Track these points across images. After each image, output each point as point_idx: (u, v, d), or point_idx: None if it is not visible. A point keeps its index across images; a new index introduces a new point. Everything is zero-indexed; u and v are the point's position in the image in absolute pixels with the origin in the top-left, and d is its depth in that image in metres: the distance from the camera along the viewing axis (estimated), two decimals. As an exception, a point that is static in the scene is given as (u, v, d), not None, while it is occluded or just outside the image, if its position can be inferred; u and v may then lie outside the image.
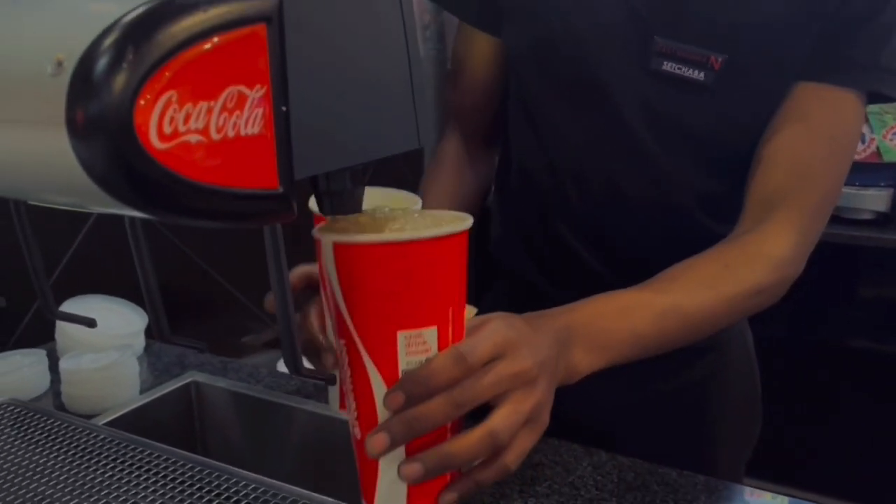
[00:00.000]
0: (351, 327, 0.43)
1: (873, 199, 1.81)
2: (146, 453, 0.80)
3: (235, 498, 0.71)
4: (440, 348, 0.44)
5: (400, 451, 0.44)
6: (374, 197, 0.52)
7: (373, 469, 0.45)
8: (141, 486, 0.74)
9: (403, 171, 2.36)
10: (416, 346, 0.44)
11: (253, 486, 0.73)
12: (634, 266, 0.72)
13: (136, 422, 0.92)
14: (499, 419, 0.46)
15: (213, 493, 0.73)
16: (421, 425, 0.44)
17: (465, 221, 0.46)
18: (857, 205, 1.81)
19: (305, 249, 0.54)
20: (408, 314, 0.43)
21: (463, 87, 0.92)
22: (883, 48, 0.70)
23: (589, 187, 0.81)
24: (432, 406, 0.44)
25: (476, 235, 0.91)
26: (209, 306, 1.74)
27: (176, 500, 0.72)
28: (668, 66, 0.71)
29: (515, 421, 0.47)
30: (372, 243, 0.42)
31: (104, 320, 1.12)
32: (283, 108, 0.33)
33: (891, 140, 2.04)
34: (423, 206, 0.81)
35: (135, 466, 0.77)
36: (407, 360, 0.43)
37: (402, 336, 0.43)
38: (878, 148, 1.89)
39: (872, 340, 1.99)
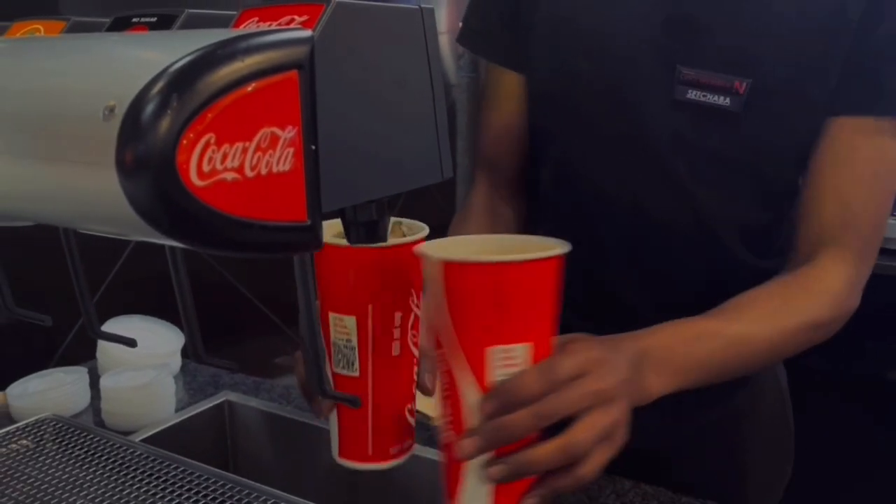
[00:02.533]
0: (451, 340, 0.48)
1: (911, 230, 1.79)
2: (180, 470, 0.82)
3: (264, 515, 0.74)
4: (531, 364, 0.49)
5: (486, 456, 0.48)
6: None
7: (458, 471, 0.50)
8: (174, 502, 0.76)
9: (436, 198, 2.40)
10: (508, 361, 0.48)
11: (280, 503, 0.75)
12: (670, 298, 0.73)
13: (171, 439, 0.95)
14: (577, 432, 0.49)
15: (245, 511, 0.75)
16: (508, 433, 0.48)
17: (562, 247, 0.50)
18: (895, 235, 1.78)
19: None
20: (504, 331, 0.47)
21: (492, 131, 0.91)
22: None
23: (622, 221, 0.81)
24: (519, 416, 0.48)
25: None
26: (243, 327, 1.79)
27: (208, 516, 0.74)
28: (692, 95, 0.72)
29: (593, 435, 0.50)
30: (480, 263, 0.47)
31: (143, 340, 1.15)
32: (313, 147, 0.36)
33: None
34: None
35: (169, 482, 0.80)
36: (498, 372, 0.48)
37: (496, 350, 0.47)
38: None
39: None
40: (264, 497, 0.77)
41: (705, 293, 0.75)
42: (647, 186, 0.78)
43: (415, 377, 0.58)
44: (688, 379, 0.63)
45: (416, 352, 0.56)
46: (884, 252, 1.75)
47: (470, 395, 0.48)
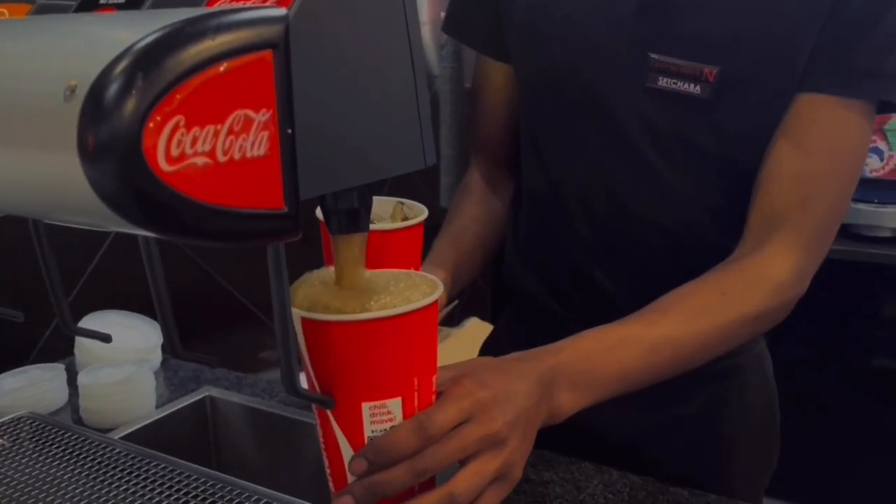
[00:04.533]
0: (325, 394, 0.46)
1: (892, 217, 1.80)
2: (161, 467, 0.81)
3: (247, 512, 0.72)
4: (405, 417, 0.47)
5: None
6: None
7: None
8: (155, 501, 0.75)
9: (421, 189, 2.38)
10: (381, 416, 0.46)
11: (267, 500, 0.74)
12: (648, 288, 0.72)
13: (151, 436, 0.93)
14: (460, 481, 0.48)
15: (225, 508, 0.73)
16: (382, 490, 0.47)
17: (430, 296, 0.47)
18: (876, 222, 1.79)
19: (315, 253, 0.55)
20: (372, 386, 0.46)
21: (482, 117, 0.92)
22: (889, 55, 0.67)
23: (596, 208, 0.81)
24: (394, 473, 0.47)
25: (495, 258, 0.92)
26: (224, 321, 1.76)
27: (189, 514, 0.73)
28: (663, 82, 0.71)
29: (478, 483, 0.49)
30: (336, 322, 0.45)
31: (122, 335, 1.14)
32: (289, 131, 0.34)
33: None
34: (451, 233, 0.88)
35: (150, 480, 0.78)
36: (372, 428, 0.46)
37: (366, 407, 0.45)
38: (896, 165, 1.87)
39: (888, 358, 1.96)
40: (249, 494, 0.75)
41: (682, 280, 0.74)
42: (620, 174, 0.78)
43: None
44: (607, 390, 0.62)
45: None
46: (862, 239, 1.76)
47: (345, 451, 0.47)
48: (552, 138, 0.82)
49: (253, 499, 0.75)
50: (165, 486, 0.78)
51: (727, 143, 0.74)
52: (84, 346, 1.06)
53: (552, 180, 0.84)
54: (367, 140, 0.42)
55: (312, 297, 0.48)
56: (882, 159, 1.86)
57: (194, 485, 0.78)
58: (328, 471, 0.50)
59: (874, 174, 1.86)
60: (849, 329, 1.99)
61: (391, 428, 0.47)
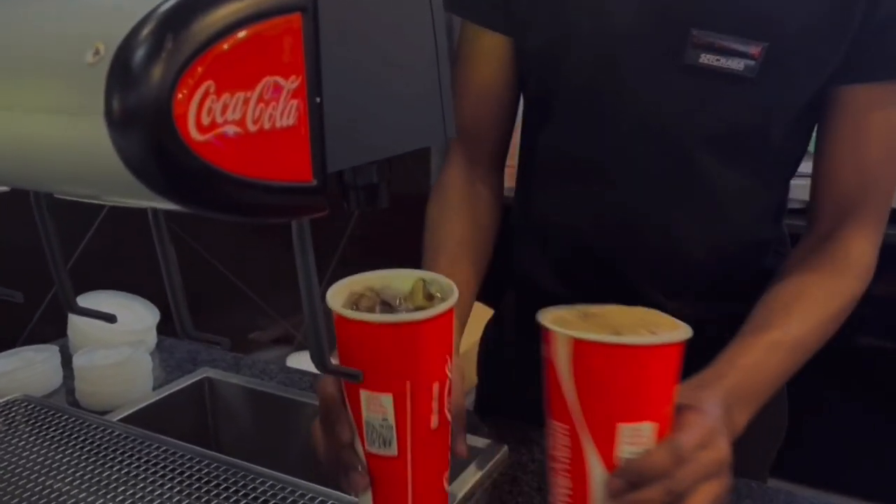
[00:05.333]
0: (578, 416, 0.49)
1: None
2: (161, 449, 0.79)
3: (253, 494, 0.71)
4: (657, 441, 0.50)
5: None
6: (379, 278, 0.55)
7: None
8: (157, 483, 0.73)
9: (410, 168, 2.36)
10: (636, 439, 0.49)
11: (268, 482, 0.73)
12: (671, 276, 0.73)
13: (149, 418, 0.91)
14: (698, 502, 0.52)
15: (228, 490, 0.72)
16: None
17: (687, 330, 0.50)
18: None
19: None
20: (632, 410, 0.49)
21: (472, 97, 0.85)
22: None
23: (623, 189, 0.78)
24: (649, 494, 0.50)
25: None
26: (219, 303, 1.74)
27: (192, 496, 0.71)
28: (705, 59, 0.69)
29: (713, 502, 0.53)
30: (612, 344, 0.48)
31: (117, 316, 1.12)
32: (318, 100, 0.33)
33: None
34: (435, 253, 0.79)
35: (149, 462, 0.77)
36: (626, 449, 0.49)
37: (623, 428, 0.48)
38: None
39: (883, 339, 1.97)
40: (248, 474, 0.74)
41: (705, 262, 0.76)
42: (647, 152, 0.76)
43: (449, 444, 0.54)
44: (763, 399, 0.66)
45: (450, 418, 0.52)
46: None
47: (595, 470, 0.49)
48: (571, 119, 0.79)
49: (253, 479, 0.74)
50: (166, 468, 0.76)
51: (763, 120, 0.73)
52: (78, 328, 1.04)
53: (573, 162, 0.80)
54: (390, 112, 0.41)
55: (565, 322, 0.51)
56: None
57: (195, 466, 0.76)
58: (567, 492, 0.51)
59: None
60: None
61: (645, 451, 0.49)
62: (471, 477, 0.77)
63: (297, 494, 0.71)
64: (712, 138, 0.74)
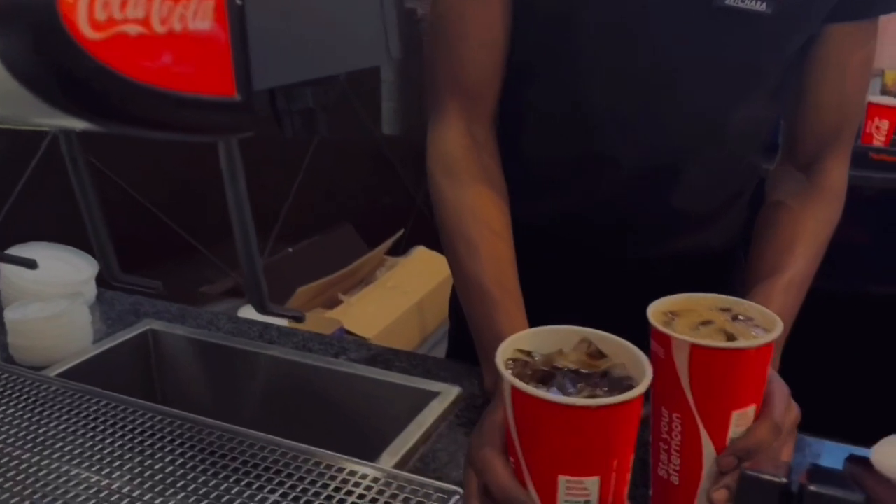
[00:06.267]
0: (693, 408, 0.54)
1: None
2: (102, 404, 0.76)
3: (200, 446, 0.68)
4: (755, 417, 0.57)
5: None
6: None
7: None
8: (98, 438, 0.70)
9: (361, 115, 2.30)
10: (743, 420, 0.55)
11: (215, 433, 0.70)
12: (660, 210, 0.75)
13: (90, 372, 0.88)
14: (787, 455, 0.60)
15: (175, 443, 0.69)
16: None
17: (779, 324, 0.56)
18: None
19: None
20: (742, 398, 0.55)
21: (471, 42, 0.76)
22: None
23: (631, 130, 0.77)
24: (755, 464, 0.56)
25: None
26: (162, 254, 1.68)
27: (136, 450, 0.68)
28: (730, 0, 0.69)
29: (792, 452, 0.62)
30: (728, 349, 0.53)
31: (51, 269, 1.06)
32: (239, 2, 0.29)
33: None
34: (492, 276, 0.72)
35: (91, 418, 0.74)
36: (734, 431, 0.55)
37: (736, 416, 0.55)
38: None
39: (823, 279, 2.00)
40: (195, 426, 0.72)
41: (703, 193, 0.81)
42: (649, 92, 0.75)
43: None
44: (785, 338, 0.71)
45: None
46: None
47: (707, 451, 0.56)
48: (575, 65, 0.75)
49: (202, 431, 0.71)
50: (108, 423, 0.73)
51: (771, 62, 0.75)
52: (10, 281, 0.99)
53: (574, 97, 0.77)
54: (325, 28, 0.37)
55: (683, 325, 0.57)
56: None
57: (140, 420, 0.73)
58: (676, 468, 0.57)
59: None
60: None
61: (747, 430, 0.56)
62: (428, 417, 0.76)
63: (245, 444, 0.69)
64: (721, 77, 0.74)
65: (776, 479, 0.39)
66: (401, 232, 2.34)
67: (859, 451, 0.71)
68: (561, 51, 0.76)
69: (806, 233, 0.77)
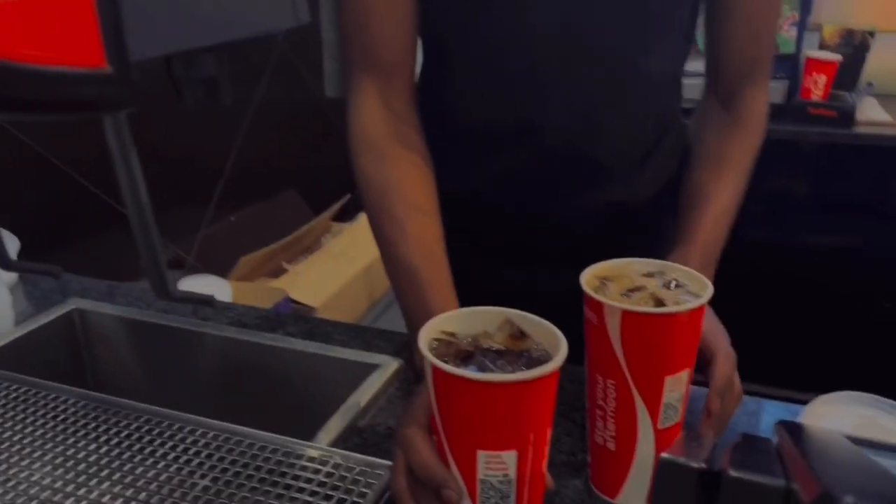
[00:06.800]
0: (626, 373, 0.55)
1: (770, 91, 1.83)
2: (22, 390, 0.72)
3: (126, 432, 0.66)
4: (689, 384, 0.58)
5: (648, 460, 0.58)
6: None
7: (624, 471, 0.59)
8: (18, 427, 0.67)
9: (302, 73, 2.23)
10: (677, 386, 0.56)
11: (143, 416, 0.67)
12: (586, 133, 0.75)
13: (12, 357, 0.84)
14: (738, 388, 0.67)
15: (100, 429, 0.66)
16: (724, 424, 0.65)
17: (709, 289, 0.56)
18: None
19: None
20: (674, 364, 0.55)
21: (380, 15, 0.72)
22: None
23: (544, 86, 0.75)
24: (728, 411, 0.65)
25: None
26: (88, 226, 1.61)
27: (58, 438, 0.65)
28: None
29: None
30: (658, 314, 0.53)
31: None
32: (104, -39, 0.26)
33: (787, 31, 2.05)
34: (418, 252, 0.70)
35: (9, 406, 0.70)
36: (668, 395, 0.56)
37: (669, 380, 0.55)
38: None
39: (762, 230, 2.04)
40: (127, 411, 0.69)
41: (626, 151, 0.81)
42: (574, 57, 0.74)
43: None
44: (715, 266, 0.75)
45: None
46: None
47: (641, 415, 0.56)
48: (492, 30, 0.73)
49: (129, 415, 0.68)
50: (29, 410, 0.70)
51: (680, 3, 0.76)
52: (-78, 264, 0.93)
53: (503, 76, 0.75)
54: (218, -13, 0.34)
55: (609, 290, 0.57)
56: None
57: (62, 407, 0.70)
58: (612, 434, 0.58)
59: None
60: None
61: (713, 370, 0.62)
62: (367, 392, 0.74)
63: (175, 428, 0.66)
64: (636, 25, 0.74)
65: (694, 465, 0.38)
66: (347, 197, 2.30)
67: (795, 408, 0.74)
68: (478, 19, 0.74)
69: (731, 161, 0.80)
